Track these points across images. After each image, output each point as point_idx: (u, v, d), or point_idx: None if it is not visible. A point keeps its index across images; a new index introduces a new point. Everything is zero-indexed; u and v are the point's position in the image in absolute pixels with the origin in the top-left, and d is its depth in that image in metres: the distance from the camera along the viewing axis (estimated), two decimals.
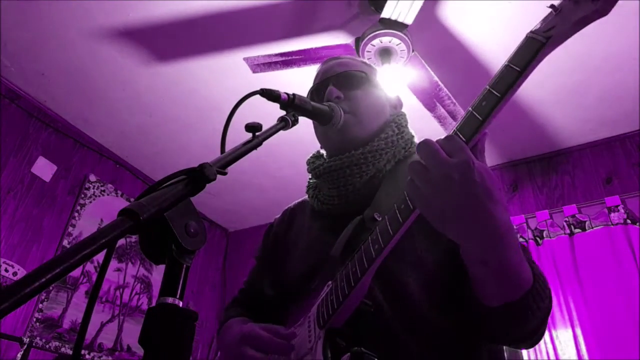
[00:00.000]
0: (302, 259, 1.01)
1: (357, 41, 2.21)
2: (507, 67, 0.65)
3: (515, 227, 0.70)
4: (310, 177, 1.11)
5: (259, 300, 1.12)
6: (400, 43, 2.13)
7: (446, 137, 0.64)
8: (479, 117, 0.64)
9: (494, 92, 0.64)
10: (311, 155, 1.12)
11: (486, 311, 0.73)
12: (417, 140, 1.08)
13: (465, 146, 0.62)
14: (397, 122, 1.06)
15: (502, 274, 0.67)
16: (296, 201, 1.22)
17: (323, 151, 1.13)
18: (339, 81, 1.06)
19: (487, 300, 0.72)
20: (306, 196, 1.15)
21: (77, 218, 3.17)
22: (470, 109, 0.66)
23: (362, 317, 0.78)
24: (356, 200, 0.98)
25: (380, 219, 0.81)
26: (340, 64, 1.11)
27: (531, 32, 0.65)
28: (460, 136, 0.64)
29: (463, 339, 0.82)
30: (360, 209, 0.94)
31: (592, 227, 2.77)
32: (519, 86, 0.65)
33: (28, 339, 2.29)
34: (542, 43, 0.63)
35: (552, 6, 0.64)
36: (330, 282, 0.84)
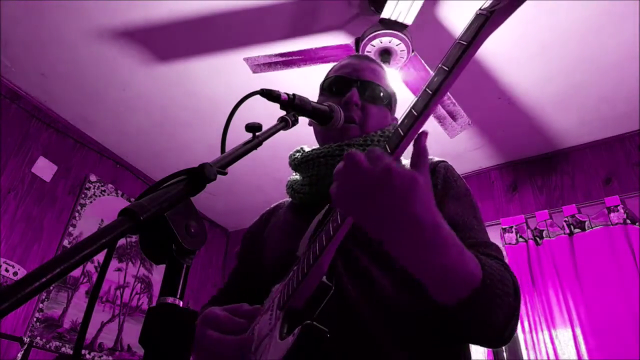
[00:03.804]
0: (276, 249, 1.03)
1: (357, 41, 2.21)
2: (439, 68, 0.67)
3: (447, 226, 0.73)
4: (292, 174, 1.14)
5: (237, 298, 1.12)
6: (400, 43, 2.14)
7: (368, 149, 0.65)
8: (415, 113, 0.67)
9: (427, 89, 0.67)
10: (293, 150, 1.14)
11: (442, 308, 0.73)
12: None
13: (382, 154, 0.64)
14: (384, 128, 1.09)
15: (435, 271, 0.67)
16: (275, 203, 1.25)
17: (305, 147, 1.15)
18: (365, 89, 1.07)
19: (437, 298, 0.72)
20: (286, 198, 1.18)
21: (77, 218, 3.18)
22: (409, 107, 0.68)
23: (322, 296, 0.77)
24: (327, 191, 0.98)
25: None
26: (373, 71, 1.12)
27: (479, 9, 0.66)
28: (388, 145, 0.68)
29: (430, 321, 0.82)
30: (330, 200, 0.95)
31: (592, 227, 2.76)
32: (451, 83, 0.66)
33: (28, 339, 2.29)
34: (487, 17, 0.64)
35: None
36: (295, 267, 0.84)
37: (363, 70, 1.11)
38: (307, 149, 1.13)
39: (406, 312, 0.83)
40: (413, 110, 0.67)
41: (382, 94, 1.10)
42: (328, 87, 1.12)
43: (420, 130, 0.67)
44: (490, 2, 0.65)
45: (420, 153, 0.65)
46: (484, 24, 0.64)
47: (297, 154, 1.09)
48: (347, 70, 1.12)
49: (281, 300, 0.81)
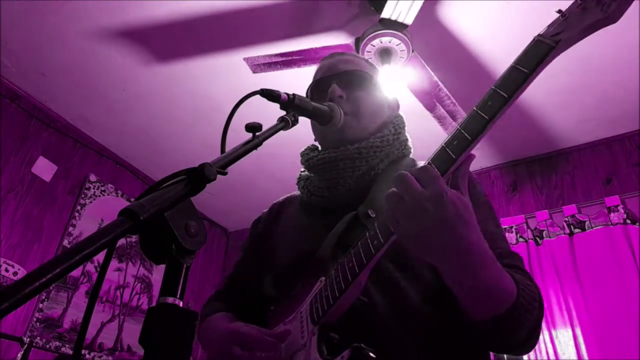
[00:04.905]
0: (291, 250, 1.01)
1: (357, 41, 2.21)
2: (494, 92, 0.66)
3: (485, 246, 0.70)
4: (302, 170, 1.12)
5: (243, 293, 1.11)
6: (400, 43, 2.14)
7: (420, 168, 0.66)
8: (468, 137, 0.66)
9: (480, 112, 0.66)
10: (306, 147, 1.13)
11: (474, 324, 0.75)
12: (410, 143, 1.10)
13: (438, 176, 0.64)
14: (394, 123, 1.07)
15: (480, 292, 0.70)
16: (284, 196, 1.23)
17: (318, 144, 1.14)
18: (343, 80, 1.06)
19: (472, 315, 0.74)
20: (295, 192, 1.16)
21: (77, 218, 3.18)
22: (459, 128, 0.67)
23: (357, 313, 0.77)
24: (345, 195, 0.98)
25: (375, 215, 0.83)
26: (345, 62, 1.11)
27: (539, 35, 0.65)
28: (436, 166, 0.67)
29: (457, 334, 0.82)
30: (349, 204, 0.94)
31: (592, 227, 2.77)
32: (506, 107, 0.65)
33: (28, 339, 2.29)
34: (552, 47, 0.63)
35: (559, 11, 0.65)
36: (323, 278, 0.83)
37: (336, 64, 1.11)
38: (318, 146, 1.13)
39: (432, 322, 0.83)
40: (465, 134, 0.66)
41: (362, 78, 1.09)
42: (311, 94, 1.12)
43: (470, 153, 0.67)
44: (548, 29, 0.65)
45: (464, 175, 0.68)
46: (548, 53, 0.63)
47: (312, 153, 1.08)
48: (322, 71, 1.13)
49: (314, 314, 0.80)
